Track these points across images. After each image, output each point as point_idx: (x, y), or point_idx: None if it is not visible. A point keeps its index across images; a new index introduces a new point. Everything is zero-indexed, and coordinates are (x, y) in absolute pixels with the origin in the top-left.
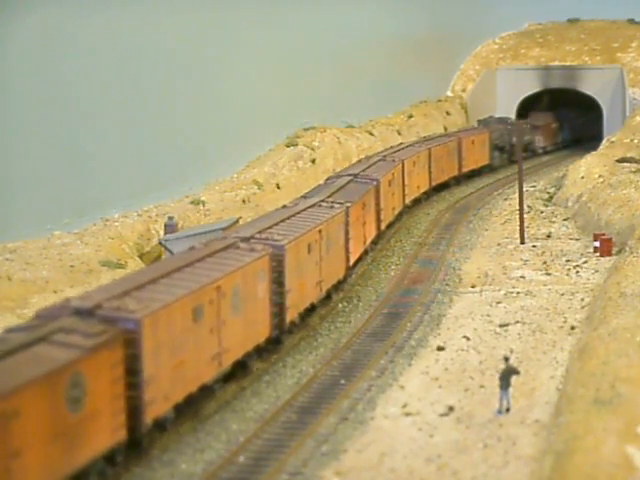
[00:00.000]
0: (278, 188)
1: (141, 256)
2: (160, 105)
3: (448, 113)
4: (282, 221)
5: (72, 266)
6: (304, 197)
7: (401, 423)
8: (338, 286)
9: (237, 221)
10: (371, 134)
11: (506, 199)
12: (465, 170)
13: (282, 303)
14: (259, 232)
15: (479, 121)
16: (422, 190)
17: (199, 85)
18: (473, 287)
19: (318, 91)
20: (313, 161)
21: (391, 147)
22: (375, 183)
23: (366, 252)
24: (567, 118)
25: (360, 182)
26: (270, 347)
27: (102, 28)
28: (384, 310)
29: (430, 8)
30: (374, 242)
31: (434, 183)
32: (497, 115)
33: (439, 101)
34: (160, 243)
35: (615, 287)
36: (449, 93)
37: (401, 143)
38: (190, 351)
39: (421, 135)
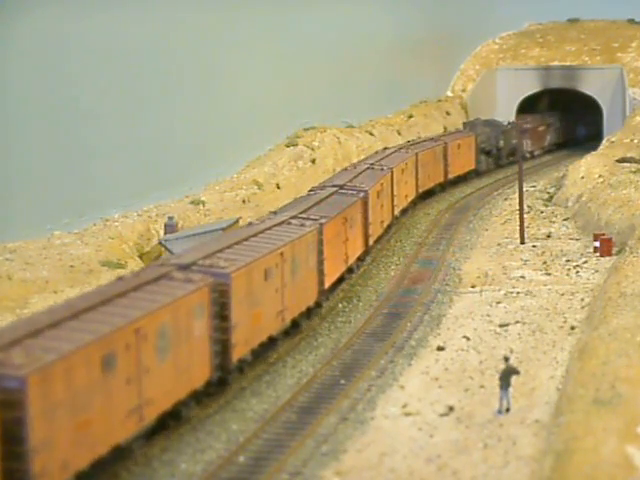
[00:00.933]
0: (278, 188)
1: (141, 256)
2: (160, 105)
3: (448, 113)
4: (237, 243)
5: (72, 266)
6: (274, 213)
7: (401, 423)
8: (309, 313)
9: (237, 221)
10: (371, 134)
11: (506, 199)
12: (451, 176)
13: (226, 340)
14: (204, 257)
15: (465, 124)
16: (410, 199)
17: (199, 85)
18: (473, 287)
19: (318, 91)
20: (313, 161)
21: (376, 152)
22: (362, 195)
23: (350, 270)
24: (557, 120)
25: (345, 194)
26: (212, 390)
27: (102, 28)
28: (384, 310)
29: (430, 8)
30: (361, 258)
31: (420, 190)
32: (496, 116)
33: (439, 101)
34: (160, 243)
35: (615, 287)
36: (449, 93)
37: (385, 148)
38: (98, 408)
39: (421, 135)
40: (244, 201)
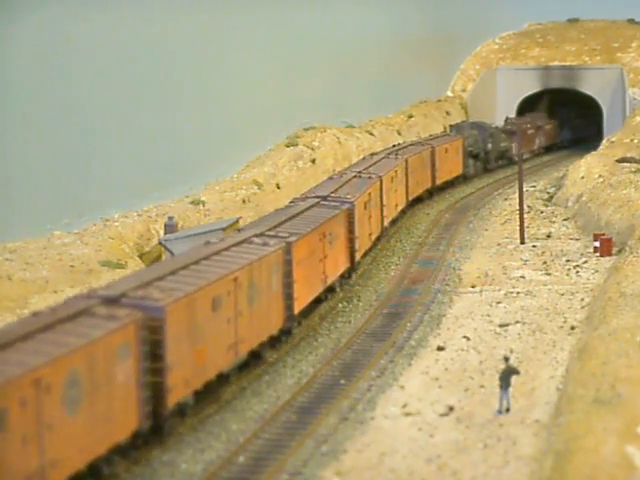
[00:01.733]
0: (278, 188)
1: (141, 256)
2: (160, 105)
3: (448, 113)
4: (183, 268)
5: (72, 266)
6: (239, 230)
7: (401, 423)
8: (274, 342)
9: (237, 221)
10: (371, 134)
11: (506, 199)
12: (439, 182)
13: (160, 383)
14: (137, 288)
15: (451, 126)
16: (400, 208)
17: (199, 85)
18: (473, 287)
19: (318, 91)
20: (313, 161)
21: (363, 159)
22: (348, 206)
23: (331, 289)
24: (547, 123)
25: (327, 206)
26: (142, 442)
27: (102, 28)
28: (384, 310)
29: (430, 8)
30: (345, 276)
31: (410, 198)
32: (496, 116)
33: (439, 101)
34: (160, 243)
35: (615, 287)
36: (449, 93)
37: (373, 154)
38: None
39: (421, 135)
40: (244, 201)
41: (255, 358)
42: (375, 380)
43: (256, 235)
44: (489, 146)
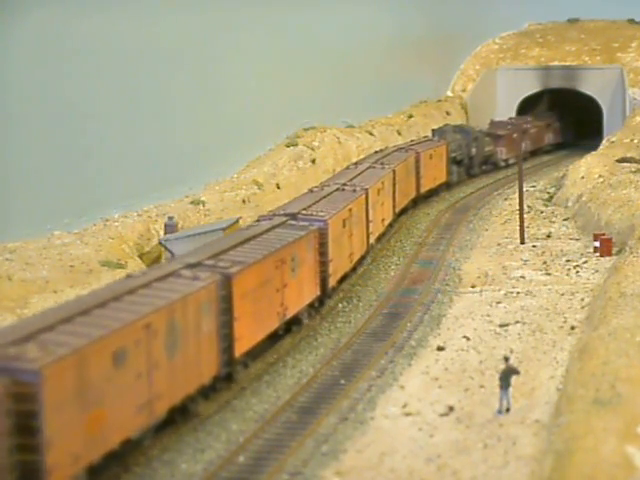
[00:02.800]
0: (278, 188)
1: (141, 256)
2: (160, 105)
3: (448, 113)
4: (82, 314)
5: (72, 266)
6: (172, 258)
7: (401, 423)
8: (210, 391)
9: (237, 221)
10: (371, 134)
11: (506, 199)
12: (423, 190)
13: (37, 462)
14: (12, 343)
15: (434, 131)
16: (387, 222)
17: (199, 85)
18: (473, 287)
19: (318, 91)
20: (313, 161)
21: (347, 168)
22: (319, 226)
23: (296, 322)
24: (533, 126)
25: (295, 226)
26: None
27: (102, 28)
28: (384, 310)
29: (430, 8)
30: (314, 305)
31: (397, 210)
32: (497, 116)
33: (439, 101)
34: (160, 243)
35: (615, 287)
36: (449, 93)
37: (356, 163)
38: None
39: (421, 135)
40: (244, 201)
41: (182, 413)
42: (375, 380)
43: (188, 266)
44: (473, 151)
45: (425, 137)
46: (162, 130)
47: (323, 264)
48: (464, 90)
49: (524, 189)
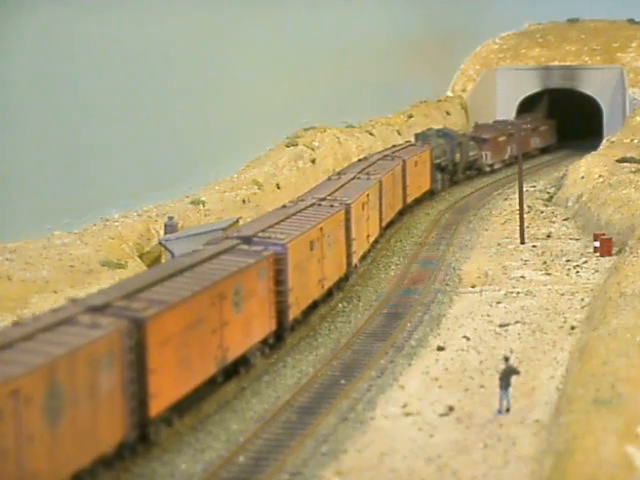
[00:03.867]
0: (278, 188)
1: (141, 256)
2: (160, 105)
3: (448, 113)
4: None
5: (72, 266)
6: (74, 302)
7: (401, 423)
8: (116, 460)
9: (237, 221)
10: (371, 134)
11: (506, 199)
12: (409, 200)
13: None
14: None
15: (417, 135)
16: (372, 239)
17: (199, 85)
18: (473, 287)
19: (318, 91)
20: (313, 161)
21: (329, 179)
22: (274, 251)
23: (243, 362)
24: (518, 130)
25: (243, 252)
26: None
27: (102, 28)
28: (384, 310)
29: (430, 8)
30: (268, 342)
31: (384, 224)
32: (497, 116)
33: (439, 101)
34: (160, 243)
35: (615, 287)
36: (449, 93)
37: (340, 173)
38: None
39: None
40: (244, 201)
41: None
42: (375, 380)
43: (91, 309)
44: (457, 156)
45: (407, 142)
46: (162, 130)
47: (280, 294)
48: (464, 90)
49: (524, 189)
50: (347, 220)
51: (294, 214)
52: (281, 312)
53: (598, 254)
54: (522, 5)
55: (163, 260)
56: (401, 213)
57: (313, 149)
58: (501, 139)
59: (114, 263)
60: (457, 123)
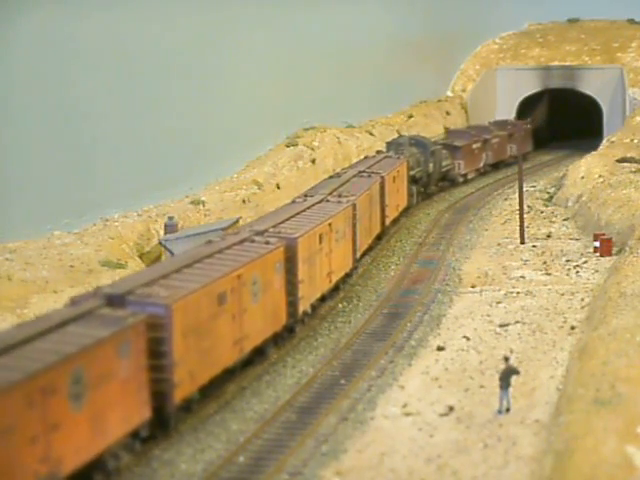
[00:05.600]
0: (278, 188)
1: (141, 256)
2: (160, 105)
3: (448, 113)
4: None
5: (72, 266)
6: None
7: (401, 423)
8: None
9: (237, 221)
10: (371, 134)
11: (506, 199)
12: (388, 222)
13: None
14: None
15: (389, 144)
16: (339, 276)
17: (199, 85)
18: (473, 287)
19: (318, 91)
20: (313, 161)
21: (293, 202)
22: (154, 311)
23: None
24: (494, 136)
25: (105, 319)
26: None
27: (102, 28)
28: (384, 310)
29: (430, 8)
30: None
31: (359, 254)
32: (497, 116)
33: (439, 101)
34: (160, 243)
35: (615, 287)
36: (449, 93)
37: (306, 194)
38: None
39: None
40: (244, 201)
41: None
42: (375, 380)
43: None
44: (430, 166)
45: (379, 151)
46: (162, 130)
47: (159, 369)
48: (464, 90)
49: (524, 189)
50: (289, 262)
51: (208, 256)
52: (161, 395)
53: (598, 254)
54: (522, 5)
55: (163, 259)
56: (379, 237)
57: (313, 149)
58: (475, 146)
59: (114, 263)
60: (457, 123)
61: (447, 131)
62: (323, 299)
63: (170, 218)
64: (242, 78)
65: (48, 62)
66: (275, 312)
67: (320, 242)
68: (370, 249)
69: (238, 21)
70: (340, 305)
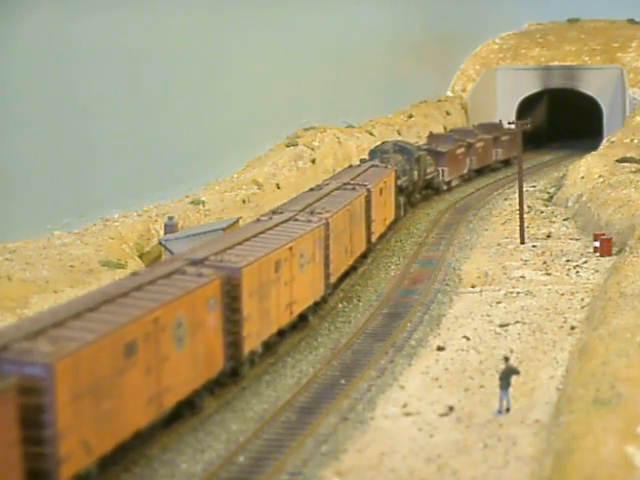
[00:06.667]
0: (278, 188)
1: (141, 256)
2: (160, 105)
3: (448, 113)
4: None
5: (72, 266)
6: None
7: (401, 423)
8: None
9: (237, 221)
10: (371, 134)
11: (506, 199)
12: (374, 239)
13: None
14: None
15: (372, 152)
16: (299, 310)
17: (199, 85)
18: (473, 287)
19: (318, 91)
20: (313, 161)
21: (258, 220)
22: (28, 373)
23: None
24: (478, 140)
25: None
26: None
27: (102, 28)
28: (384, 310)
29: (430, 8)
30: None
31: (334, 279)
32: (497, 117)
33: (439, 101)
34: (160, 243)
35: (615, 287)
36: (449, 93)
37: (274, 211)
38: None
39: (421, 135)
40: (244, 201)
41: None
42: (375, 380)
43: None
44: (415, 175)
45: (363, 160)
46: (162, 130)
47: (31, 445)
48: (464, 90)
49: (524, 189)
50: (228, 296)
51: (139, 288)
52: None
53: (598, 254)
54: (522, 5)
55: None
56: (365, 256)
57: (313, 149)
58: (459, 152)
59: (114, 263)
60: (457, 123)
61: (430, 135)
62: (282, 334)
63: (170, 218)
64: (242, 78)
65: (48, 62)
66: (208, 357)
67: (277, 270)
68: (353, 269)
69: (238, 21)
70: (340, 305)
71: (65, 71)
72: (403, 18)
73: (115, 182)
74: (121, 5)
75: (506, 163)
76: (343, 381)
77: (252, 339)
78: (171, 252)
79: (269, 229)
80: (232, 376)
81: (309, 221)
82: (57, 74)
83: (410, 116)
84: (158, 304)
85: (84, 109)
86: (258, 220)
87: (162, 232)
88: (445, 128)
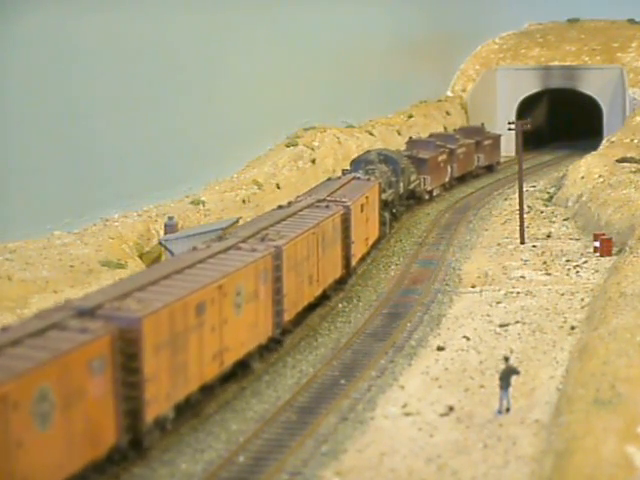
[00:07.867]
0: (278, 188)
1: (141, 256)
2: (160, 105)
3: (448, 113)
4: None
5: (72, 266)
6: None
7: (401, 423)
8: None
9: (237, 221)
10: (371, 134)
11: (506, 199)
12: (354, 262)
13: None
14: None
15: (355, 162)
16: (240, 356)
17: (199, 85)
18: (473, 287)
19: (318, 91)
20: (313, 161)
21: (194, 249)
22: None
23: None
24: (460, 146)
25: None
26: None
27: (102, 28)
28: (384, 310)
29: (430, 8)
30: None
31: (288, 317)
32: (497, 117)
33: (439, 101)
34: (160, 243)
35: (615, 287)
36: (449, 93)
37: (222, 237)
38: None
39: (421, 135)
40: (244, 201)
41: None
42: (375, 380)
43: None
44: (400, 185)
45: (345, 171)
46: (162, 130)
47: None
48: (464, 90)
49: (524, 189)
50: (122, 353)
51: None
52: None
53: (598, 254)
54: (522, 5)
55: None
56: (344, 280)
57: (313, 149)
58: (441, 158)
59: (114, 263)
60: (457, 123)
61: (409, 140)
62: (211, 388)
63: (170, 218)
64: (242, 78)
65: (48, 62)
66: (94, 434)
67: (198, 314)
68: (325, 298)
69: (238, 21)
70: (340, 305)
71: (65, 71)
72: (403, 18)
73: (115, 182)
74: (121, 5)
75: (489, 169)
76: (343, 381)
77: (159, 403)
78: (171, 252)
79: (199, 262)
80: (133, 448)
81: (253, 250)
82: (57, 74)
83: (410, 116)
84: (12, 376)
85: (84, 109)
86: (194, 249)
87: (162, 232)
88: (445, 128)
